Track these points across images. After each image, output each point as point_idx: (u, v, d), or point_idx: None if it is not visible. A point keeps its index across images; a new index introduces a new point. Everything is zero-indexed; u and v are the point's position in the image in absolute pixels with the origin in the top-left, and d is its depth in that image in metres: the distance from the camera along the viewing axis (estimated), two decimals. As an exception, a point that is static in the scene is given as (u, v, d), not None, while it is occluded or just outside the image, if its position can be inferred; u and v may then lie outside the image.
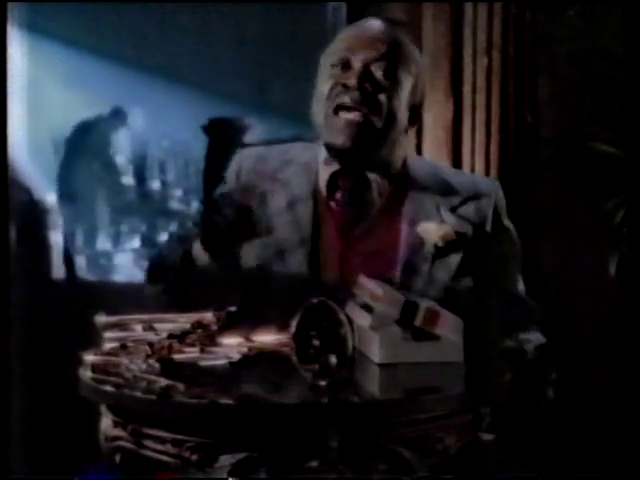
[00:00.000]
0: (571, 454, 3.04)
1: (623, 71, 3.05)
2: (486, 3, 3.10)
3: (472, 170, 3.12)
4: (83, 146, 8.03)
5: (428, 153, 3.06)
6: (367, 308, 1.89)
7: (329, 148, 2.13)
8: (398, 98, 2.12)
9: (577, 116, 3.16)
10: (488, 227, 2.15)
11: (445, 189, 2.17)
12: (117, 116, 8.30)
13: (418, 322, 1.84)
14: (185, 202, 8.40)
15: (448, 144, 3.11)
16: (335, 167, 2.15)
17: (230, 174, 2.22)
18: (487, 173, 3.12)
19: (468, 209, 2.15)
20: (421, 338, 1.84)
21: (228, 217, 1.99)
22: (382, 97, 2.10)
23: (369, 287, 1.93)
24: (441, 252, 2.07)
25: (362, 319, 1.87)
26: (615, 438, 3.05)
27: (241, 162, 2.23)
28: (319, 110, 2.14)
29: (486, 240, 2.13)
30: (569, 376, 2.91)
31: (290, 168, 2.20)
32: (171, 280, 2.05)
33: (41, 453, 3.60)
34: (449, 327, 1.84)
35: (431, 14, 3.13)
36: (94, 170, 7.94)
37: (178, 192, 8.62)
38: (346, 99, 2.09)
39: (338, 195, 2.15)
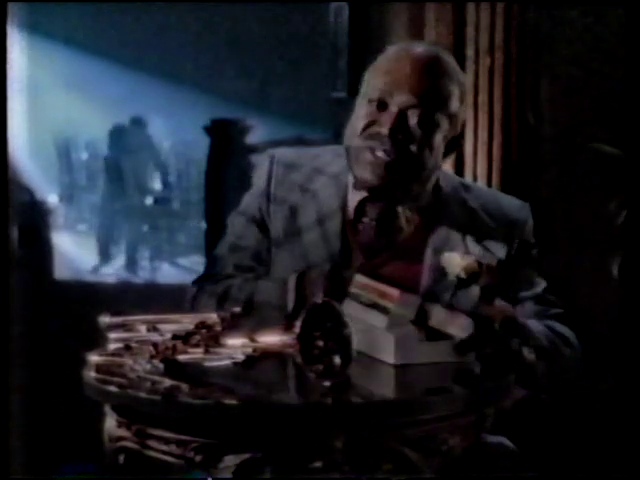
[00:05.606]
0: (571, 454, 3.04)
1: (624, 71, 3.06)
2: (488, 4, 3.10)
3: (474, 170, 3.12)
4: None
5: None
6: (380, 309, 1.89)
7: (355, 179, 2.11)
8: (432, 142, 2.07)
9: (579, 116, 3.17)
10: (513, 258, 2.11)
11: (474, 219, 2.13)
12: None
13: (432, 322, 1.85)
14: (187, 202, 8.39)
15: (450, 144, 3.11)
16: (364, 193, 2.11)
17: (259, 179, 2.18)
18: (489, 173, 3.12)
19: (495, 241, 2.11)
20: (434, 338, 1.84)
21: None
22: (414, 147, 2.05)
23: (381, 289, 1.92)
24: (463, 283, 2.03)
25: (375, 320, 1.86)
26: (615, 438, 3.05)
27: (272, 168, 2.18)
28: (350, 138, 2.09)
29: (510, 271, 2.08)
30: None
31: (320, 179, 2.16)
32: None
33: (44, 453, 3.60)
34: (461, 327, 1.84)
35: (434, 15, 3.14)
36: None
37: (179, 193, 8.62)
38: (376, 145, 2.05)
39: (365, 220, 2.14)
